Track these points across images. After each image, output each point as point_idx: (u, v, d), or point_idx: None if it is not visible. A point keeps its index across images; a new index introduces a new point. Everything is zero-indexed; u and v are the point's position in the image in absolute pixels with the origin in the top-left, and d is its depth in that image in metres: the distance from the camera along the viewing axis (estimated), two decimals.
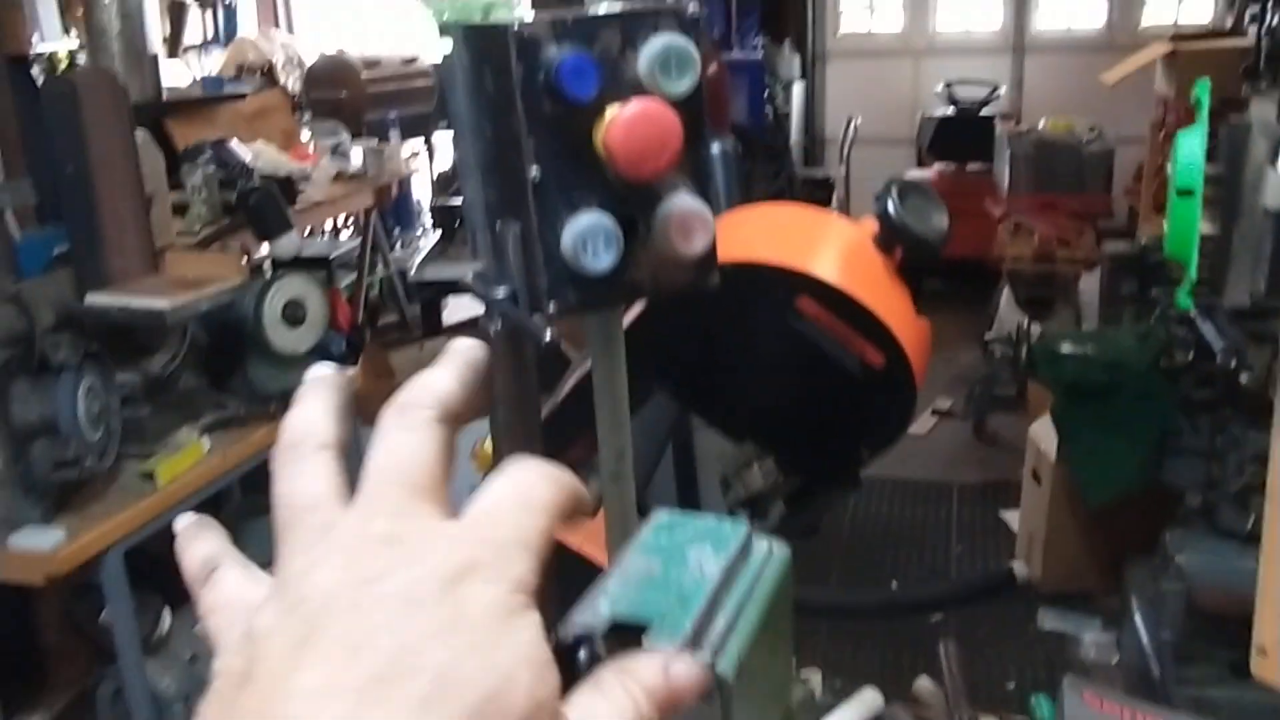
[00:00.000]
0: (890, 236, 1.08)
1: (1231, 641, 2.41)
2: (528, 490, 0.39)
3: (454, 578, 0.34)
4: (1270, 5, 2.55)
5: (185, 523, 0.43)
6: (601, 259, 0.69)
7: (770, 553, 0.69)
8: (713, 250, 0.77)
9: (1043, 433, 3.47)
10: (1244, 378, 2.33)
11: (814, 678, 1.43)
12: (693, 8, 0.73)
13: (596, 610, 0.52)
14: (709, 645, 0.58)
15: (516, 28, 0.69)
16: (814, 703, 1.38)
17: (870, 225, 1.12)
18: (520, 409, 0.82)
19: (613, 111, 0.65)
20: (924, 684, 1.50)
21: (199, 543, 0.42)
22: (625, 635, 0.50)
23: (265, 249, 3.10)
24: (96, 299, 2.27)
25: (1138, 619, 2.90)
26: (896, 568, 3.85)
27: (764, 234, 1.14)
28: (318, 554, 0.35)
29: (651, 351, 1.03)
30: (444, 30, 0.72)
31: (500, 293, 0.74)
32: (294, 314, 2.62)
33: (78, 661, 2.55)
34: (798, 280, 1.06)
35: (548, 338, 0.73)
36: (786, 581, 0.67)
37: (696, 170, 0.76)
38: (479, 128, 0.74)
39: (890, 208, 1.07)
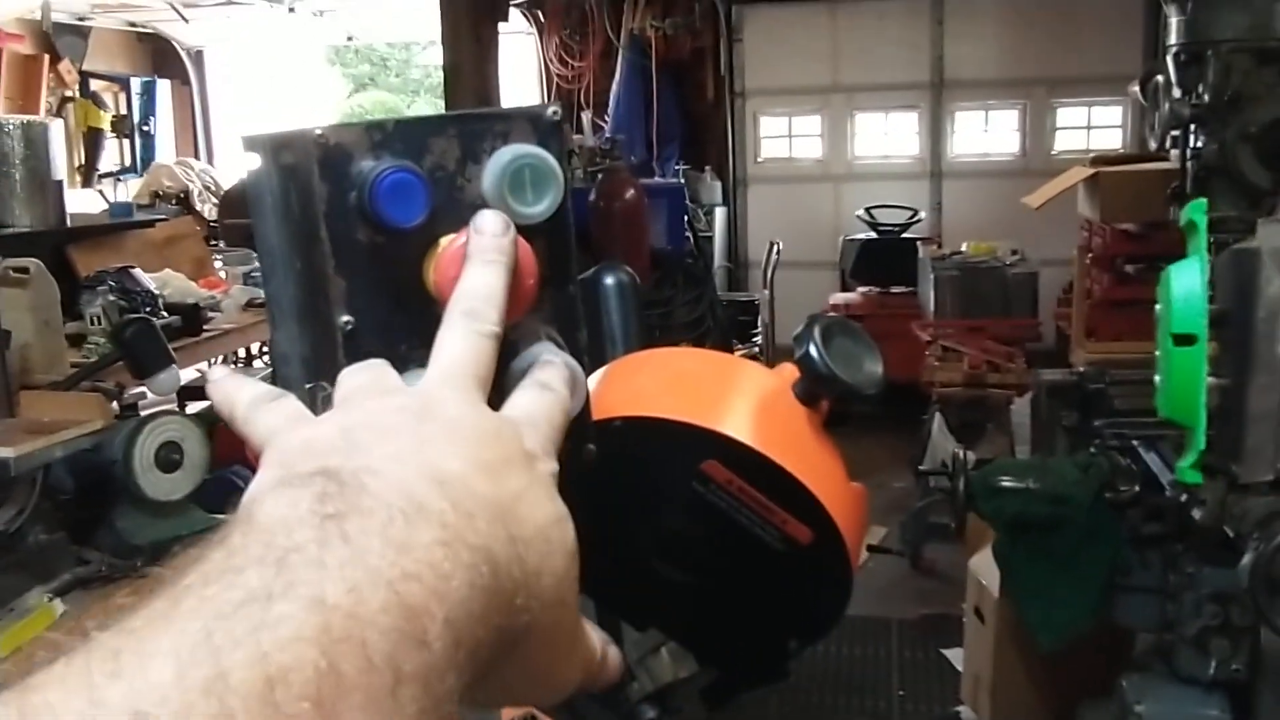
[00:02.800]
0: (815, 386, 0.90)
1: None
2: (547, 410, 0.49)
3: (529, 453, 0.45)
4: (1194, 130, 2.51)
5: (218, 375, 0.50)
6: None
7: None
8: (586, 414, 0.60)
9: (984, 567, 3.31)
10: (1196, 513, 2.18)
11: None
12: (553, 110, 0.57)
13: None
14: None
15: (319, 133, 0.53)
16: None
17: (790, 372, 0.93)
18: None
19: (446, 242, 0.53)
20: None
21: (249, 385, 0.49)
22: None
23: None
24: None
25: None
26: (836, 714, 3.61)
27: (663, 384, 0.95)
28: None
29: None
30: (249, 144, 0.55)
31: None
32: (169, 458, 2.38)
33: None
34: (703, 440, 0.86)
35: None
36: None
37: (562, 314, 0.60)
38: (289, 263, 0.56)
39: (813, 352, 0.88)
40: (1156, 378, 1.90)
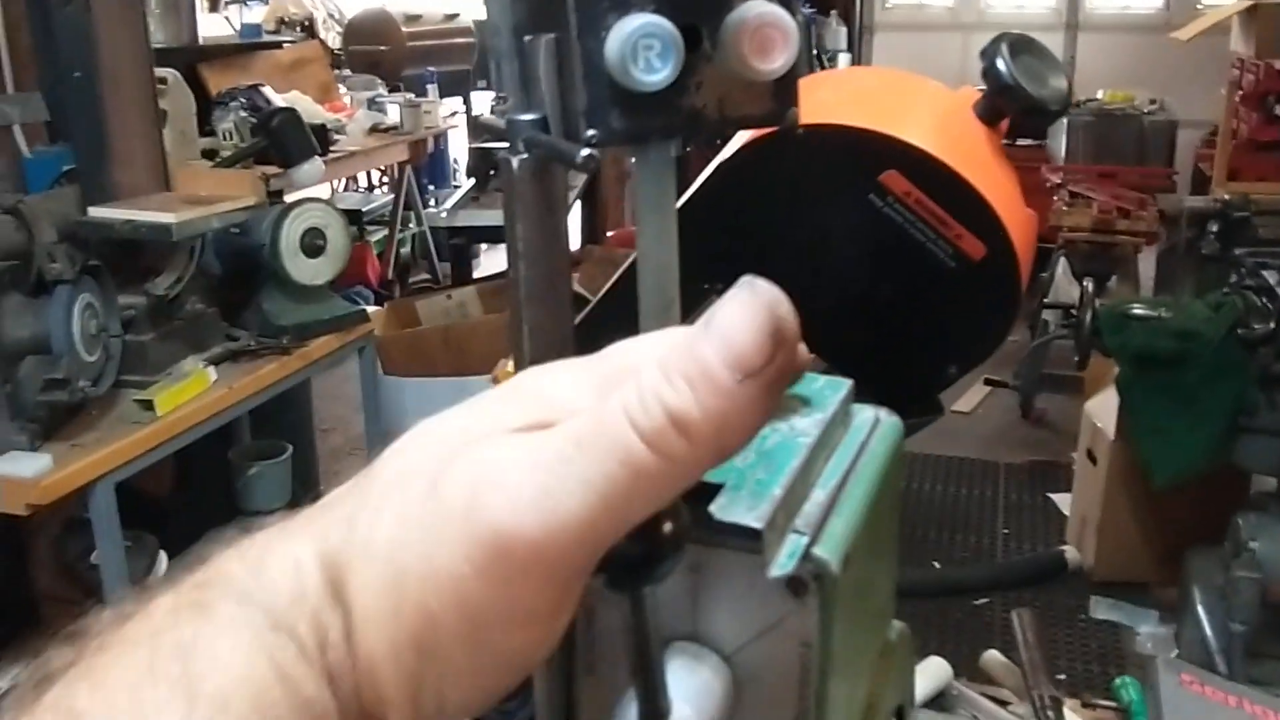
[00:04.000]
0: (998, 100, 0.89)
1: None
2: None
3: None
4: None
5: None
6: (656, 73, 0.53)
7: (877, 422, 0.51)
8: (794, 72, 0.60)
9: (1100, 409, 3.27)
10: None
11: None
12: None
13: None
14: (804, 521, 0.40)
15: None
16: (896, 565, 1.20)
17: (970, 94, 0.93)
18: (550, 280, 0.65)
19: None
20: (993, 657, 1.33)
21: None
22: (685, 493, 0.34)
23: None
24: (99, 212, 2.12)
25: (1200, 611, 2.71)
26: (940, 549, 3.66)
27: (844, 96, 0.95)
28: None
29: (706, 236, 0.85)
30: None
31: (527, 118, 0.58)
32: (313, 243, 2.47)
33: (70, 605, 2.41)
34: (884, 148, 0.87)
35: (586, 163, 0.57)
36: (897, 460, 0.49)
37: None
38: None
39: (1000, 65, 0.88)
40: None
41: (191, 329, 2.31)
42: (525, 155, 0.59)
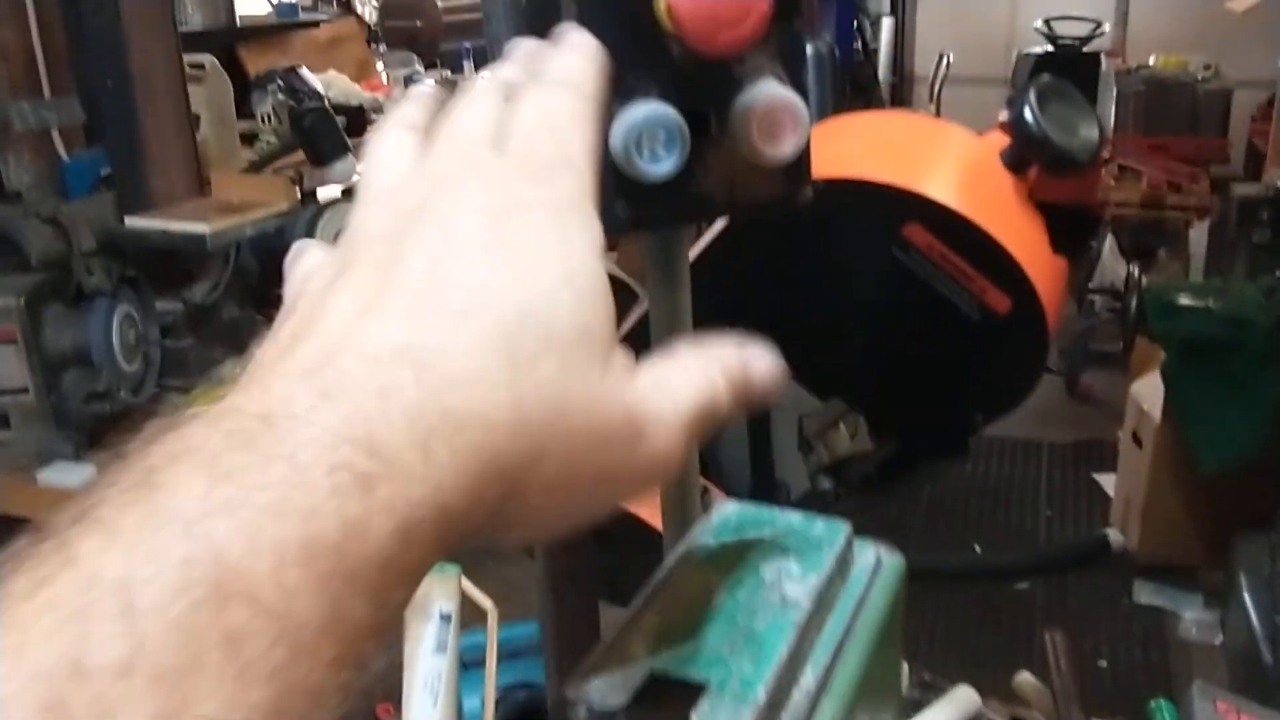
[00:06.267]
0: (1025, 150, 0.87)
1: None
2: (554, 111, 0.39)
3: (498, 211, 0.34)
4: None
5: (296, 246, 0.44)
6: (662, 163, 0.52)
7: (878, 565, 0.50)
8: (806, 155, 0.59)
9: (1146, 392, 3.22)
10: None
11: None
12: None
13: (626, 674, 0.35)
14: (792, 715, 0.39)
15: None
16: (900, 699, 1.20)
17: (997, 139, 0.91)
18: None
19: None
20: (1025, 679, 1.31)
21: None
22: (667, 697, 0.34)
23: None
24: (135, 222, 2.14)
25: (1247, 598, 2.67)
26: (980, 530, 3.63)
27: (866, 146, 0.93)
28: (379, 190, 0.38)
29: (723, 285, 0.84)
30: None
31: None
32: None
33: None
34: (906, 202, 0.85)
35: None
36: (898, 604, 0.48)
37: (787, 52, 0.59)
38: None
39: (1028, 114, 0.86)
40: None
41: (231, 332, 2.33)
42: None
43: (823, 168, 0.86)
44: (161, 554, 0.25)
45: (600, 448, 0.33)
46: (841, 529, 0.47)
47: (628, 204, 0.52)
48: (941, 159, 0.87)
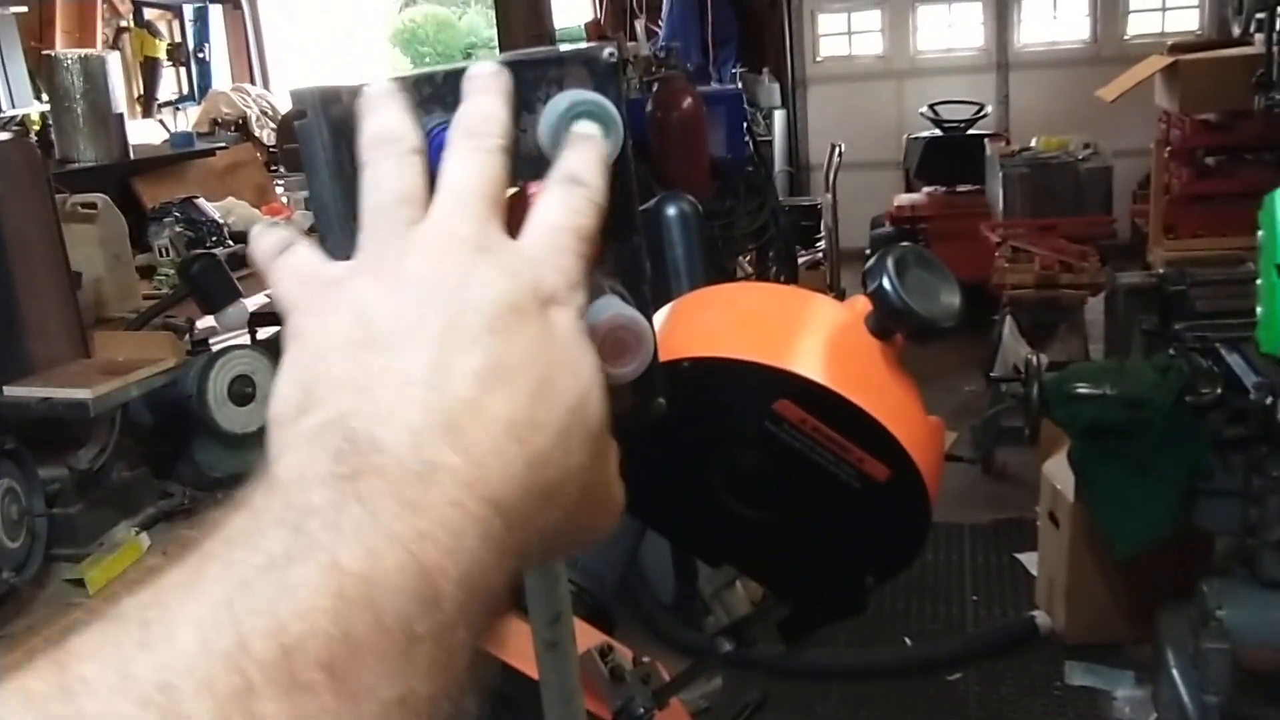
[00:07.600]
0: (888, 320, 0.86)
1: None
2: (575, 220, 0.44)
3: (546, 299, 0.41)
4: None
5: (257, 228, 0.47)
6: None
7: None
8: (654, 369, 0.58)
9: (1058, 471, 3.26)
10: None
11: None
12: (609, 52, 0.54)
13: None
14: None
15: (362, 91, 0.51)
16: None
17: (863, 305, 0.90)
18: None
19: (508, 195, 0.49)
20: None
21: (271, 233, 0.46)
22: None
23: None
24: (15, 391, 2.06)
25: (1175, 675, 2.68)
26: (909, 621, 3.61)
27: (731, 321, 0.92)
28: (410, 244, 0.41)
29: None
30: (297, 99, 0.53)
31: None
32: (242, 391, 2.42)
33: None
34: (774, 380, 0.84)
35: None
36: None
37: (625, 266, 0.58)
38: (345, 219, 0.55)
39: (887, 285, 0.85)
40: (1259, 309, 1.80)
41: (121, 495, 2.25)
42: None
43: (691, 345, 0.85)
44: None
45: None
46: None
47: None
48: (807, 331, 0.87)
